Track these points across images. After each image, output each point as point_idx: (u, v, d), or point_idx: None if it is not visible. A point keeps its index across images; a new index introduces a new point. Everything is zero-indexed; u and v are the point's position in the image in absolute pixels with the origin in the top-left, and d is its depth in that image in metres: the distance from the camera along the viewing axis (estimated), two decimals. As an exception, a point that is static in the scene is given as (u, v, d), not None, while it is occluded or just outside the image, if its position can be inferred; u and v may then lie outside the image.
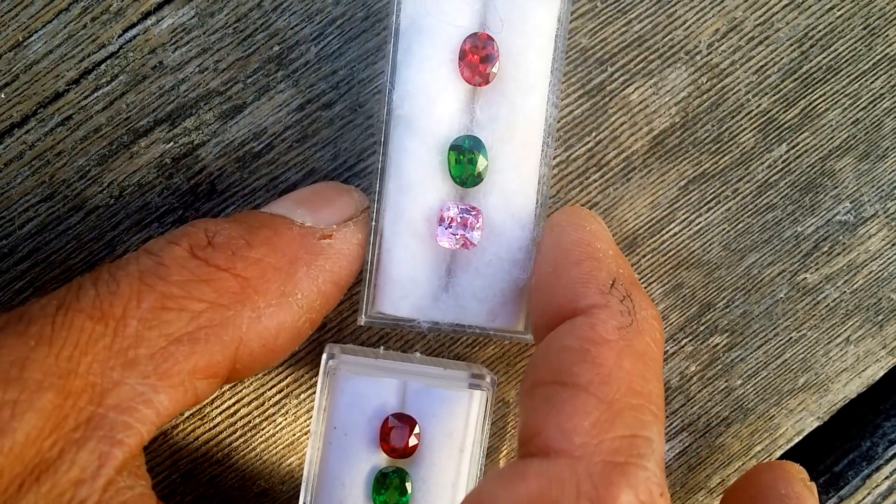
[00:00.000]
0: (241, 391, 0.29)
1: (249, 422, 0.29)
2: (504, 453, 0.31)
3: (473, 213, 0.26)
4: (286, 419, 0.29)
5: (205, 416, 0.29)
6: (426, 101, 0.26)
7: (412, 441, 0.26)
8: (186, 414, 0.29)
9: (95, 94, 0.28)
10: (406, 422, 0.26)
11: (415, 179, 0.26)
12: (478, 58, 0.25)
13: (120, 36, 0.28)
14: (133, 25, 0.28)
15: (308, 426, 0.29)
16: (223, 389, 0.29)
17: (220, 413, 0.29)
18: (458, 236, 0.26)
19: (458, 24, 0.26)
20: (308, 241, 0.25)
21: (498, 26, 0.26)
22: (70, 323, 0.21)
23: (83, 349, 0.21)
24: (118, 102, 0.28)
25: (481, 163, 0.26)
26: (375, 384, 0.27)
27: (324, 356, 0.26)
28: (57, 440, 0.20)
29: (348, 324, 0.30)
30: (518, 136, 0.26)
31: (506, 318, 0.27)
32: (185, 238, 0.23)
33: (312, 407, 0.28)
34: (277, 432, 0.29)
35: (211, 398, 0.29)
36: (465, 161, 0.26)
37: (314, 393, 0.29)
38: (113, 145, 0.28)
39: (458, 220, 0.26)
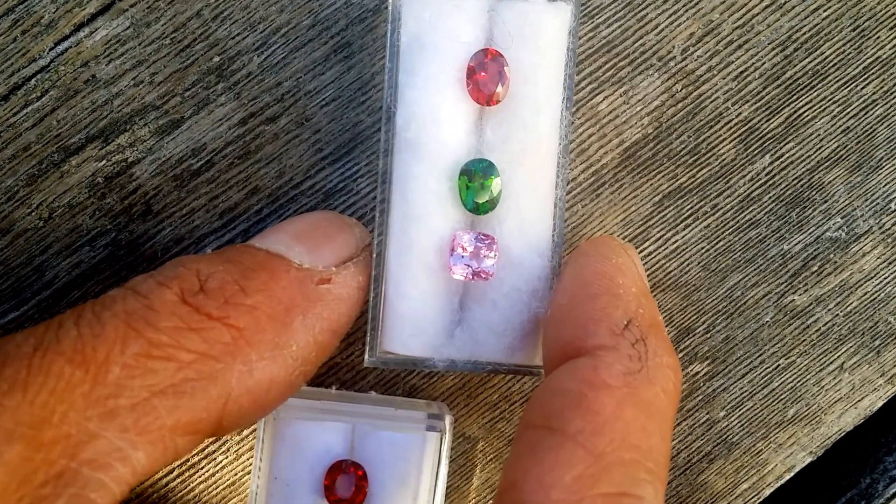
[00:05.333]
0: (179, 426, 0.29)
1: (187, 460, 0.29)
2: (473, 497, 0.30)
3: (487, 242, 0.26)
4: (227, 457, 0.29)
5: (141, 453, 0.29)
6: (433, 123, 0.26)
7: (359, 490, 0.26)
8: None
9: (25, 111, 0.28)
10: (352, 469, 0.26)
11: (423, 208, 0.26)
12: (486, 76, 0.26)
13: (51, 49, 0.28)
14: (65, 38, 0.28)
15: (251, 464, 0.29)
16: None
17: (158, 450, 0.29)
18: (472, 267, 0.26)
19: (463, 40, 0.26)
20: (306, 287, 0.25)
21: (506, 41, 0.26)
22: (48, 367, 0.21)
23: (59, 396, 0.21)
24: (49, 119, 0.28)
25: (494, 187, 0.26)
26: (320, 429, 0.26)
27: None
28: (23, 496, 0.20)
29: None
30: (532, 158, 0.26)
31: (526, 354, 0.27)
32: (175, 281, 0.24)
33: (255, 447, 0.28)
34: (218, 471, 0.29)
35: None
36: (476, 186, 0.26)
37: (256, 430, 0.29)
38: (42, 164, 0.28)
39: (472, 249, 0.26)
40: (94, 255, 0.29)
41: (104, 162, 0.29)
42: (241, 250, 0.25)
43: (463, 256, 0.26)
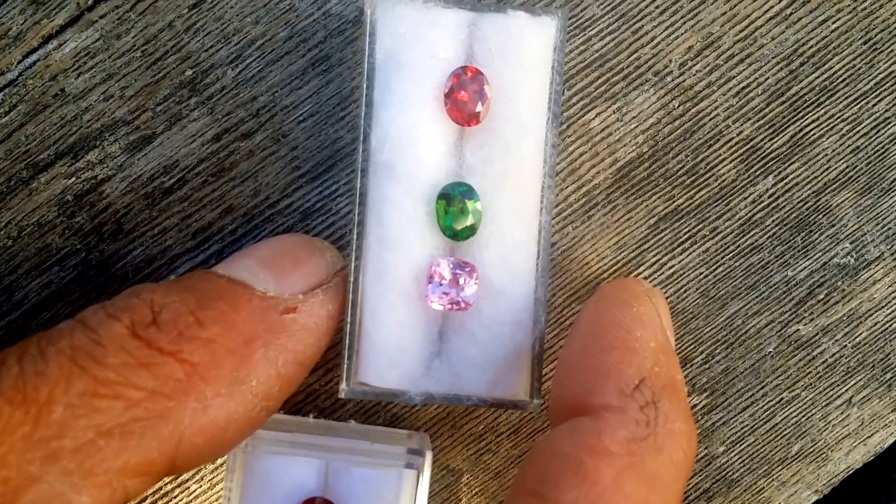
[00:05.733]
0: (148, 455, 0.28)
1: (160, 488, 0.28)
2: (453, 527, 0.29)
3: (467, 270, 0.25)
4: (201, 486, 0.28)
5: (109, 482, 0.28)
6: (409, 145, 0.25)
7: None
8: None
9: (-7, 126, 0.27)
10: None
11: (399, 233, 0.25)
12: (466, 95, 0.25)
13: (19, 62, 0.27)
14: (33, 51, 0.27)
15: (224, 495, 0.28)
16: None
17: (126, 479, 0.28)
18: (450, 296, 0.25)
19: (441, 56, 0.25)
20: (269, 317, 0.23)
21: (487, 59, 0.25)
22: None
23: None
24: (17, 134, 0.27)
25: (474, 212, 0.25)
26: (291, 463, 0.25)
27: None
28: None
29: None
30: (514, 181, 0.25)
31: (507, 387, 0.26)
32: (126, 313, 0.22)
33: (228, 474, 0.27)
34: (191, 501, 0.28)
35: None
36: (455, 211, 0.25)
37: (229, 458, 0.28)
38: (11, 181, 0.27)
39: (450, 277, 0.25)
40: (63, 275, 0.28)
41: (74, 179, 0.28)
42: (202, 277, 0.24)
43: (441, 285, 0.25)
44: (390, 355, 0.25)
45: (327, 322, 0.25)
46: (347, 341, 0.25)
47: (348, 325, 0.25)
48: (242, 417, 0.23)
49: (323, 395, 0.29)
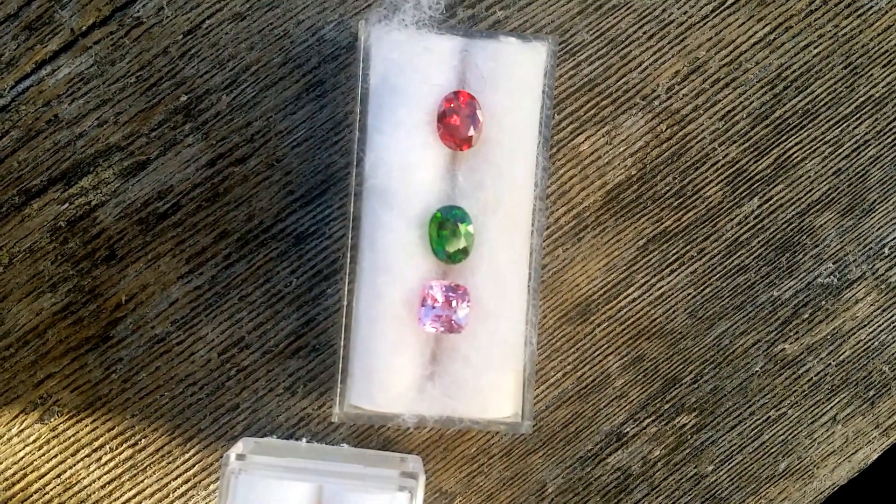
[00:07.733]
0: (142, 480, 0.28)
1: (152, 515, 0.28)
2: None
3: (460, 293, 0.25)
4: (194, 512, 0.28)
5: (103, 508, 0.28)
6: (402, 170, 0.25)
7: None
8: (82, 506, 0.28)
9: (-16, 151, 0.27)
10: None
11: (393, 257, 0.26)
12: (458, 119, 0.25)
13: (12, 88, 0.27)
14: (26, 76, 0.27)
15: (219, 519, 0.28)
16: (122, 478, 0.28)
17: (120, 505, 0.28)
18: (443, 319, 0.25)
19: (434, 82, 0.26)
20: None
21: (480, 84, 0.26)
22: None
23: None
24: (9, 160, 0.27)
25: (466, 236, 0.25)
26: (285, 488, 0.25)
27: (225, 455, 0.25)
28: None
29: (265, 403, 0.28)
30: (505, 205, 0.26)
31: (499, 409, 0.26)
32: None
33: (222, 498, 0.27)
34: (184, 526, 0.28)
35: (108, 489, 0.28)
36: (448, 234, 0.25)
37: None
38: (3, 207, 0.27)
39: (443, 301, 0.25)
40: (55, 301, 0.28)
41: (67, 205, 0.28)
42: None
43: (433, 308, 0.25)
44: (383, 379, 0.26)
45: None
46: (340, 365, 0.26)
47: (341, 350, 0.26)
48: None
49: (316, 419, 0.29)
